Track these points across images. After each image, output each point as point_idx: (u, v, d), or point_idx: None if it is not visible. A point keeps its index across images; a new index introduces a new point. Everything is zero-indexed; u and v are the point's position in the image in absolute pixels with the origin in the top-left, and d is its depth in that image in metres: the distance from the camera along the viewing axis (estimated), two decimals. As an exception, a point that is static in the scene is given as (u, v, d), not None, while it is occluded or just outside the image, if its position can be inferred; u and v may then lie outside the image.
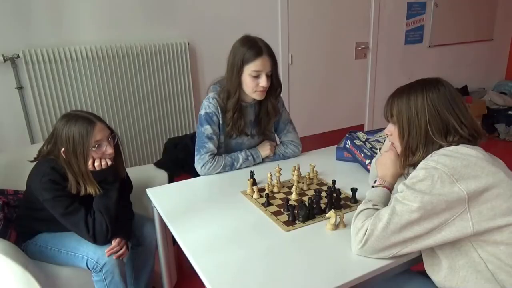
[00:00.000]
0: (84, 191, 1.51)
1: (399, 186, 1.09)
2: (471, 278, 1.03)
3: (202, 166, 1.70)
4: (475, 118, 1.14)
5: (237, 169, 1.75)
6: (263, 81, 1.62)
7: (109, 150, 1.52)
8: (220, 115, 1.71)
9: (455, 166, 1.01)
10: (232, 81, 1.66)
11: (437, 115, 1.10)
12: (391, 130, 1.21)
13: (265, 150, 1.81)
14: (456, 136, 1.10)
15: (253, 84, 1.63)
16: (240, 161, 1.75)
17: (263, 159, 1.82)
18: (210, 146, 1.70)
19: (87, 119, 1.49)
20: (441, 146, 1.11)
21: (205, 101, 1.72)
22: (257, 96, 1.68)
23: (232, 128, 1.73)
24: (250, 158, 1.77)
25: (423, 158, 1.11)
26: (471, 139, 1.11)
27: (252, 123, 1.81)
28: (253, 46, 1.60)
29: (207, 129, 1.70)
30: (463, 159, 1.02)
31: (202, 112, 1.71)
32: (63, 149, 1.47)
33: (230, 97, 1.69)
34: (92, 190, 1.51)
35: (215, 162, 1.70)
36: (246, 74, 1.62)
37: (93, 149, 1.48)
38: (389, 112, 1.19)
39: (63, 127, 1.47)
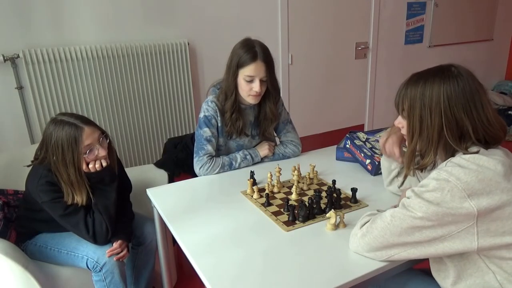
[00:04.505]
0: (71, 201, 1.48)
1: (408, 192, 1.04)
2: None
3: (200, 168, 1.70)
4: (497, 117, 1.03)
5: (236, 168, 1.75)
6: (256, 86, 1.62)
7: (102, 153, 1.50)
8: (219, 118, 1.72)
9: (468, 180, 0.93)
10: (228, 82, 1.67)
11: (452, 117, 1.01)
12: (402, 122, 1.14)
13: (263, 149, 1.81)
14: (472, 140, 1.02)
15: (247, 88, 1.64)
16: (239, 160, 1.75)
17: (262, 158, 1.82)
18: (209, 148, 1.71)
19: (74, 125, 1.44)
20: (455, 150, 1.03)
21: (204, 105, 1.73)
22: (251, 100, 1.68)
23: (231, 128, 1.73)
24: (248, 157, 1.77)
25: (432, 161, 1.06)
26: (491, 141, 1.03)
27: (252, 124, 1.81)
28: (249, 51, 1.60)
29: (206, 131, 1.70)
30: (479, 172, 0.94)
31: (201, 115, 1.72)
32: (54, 158, 1.44)
33: (227, 98, 1.70)
34: (80, 199, 1.48)
35: (213, 163, 1.70)
36: (241, 77, 1.63)
37: (85, 155, 1.46)
38: (401, 106, 1.11)
39: (51, 134, 1.44)
